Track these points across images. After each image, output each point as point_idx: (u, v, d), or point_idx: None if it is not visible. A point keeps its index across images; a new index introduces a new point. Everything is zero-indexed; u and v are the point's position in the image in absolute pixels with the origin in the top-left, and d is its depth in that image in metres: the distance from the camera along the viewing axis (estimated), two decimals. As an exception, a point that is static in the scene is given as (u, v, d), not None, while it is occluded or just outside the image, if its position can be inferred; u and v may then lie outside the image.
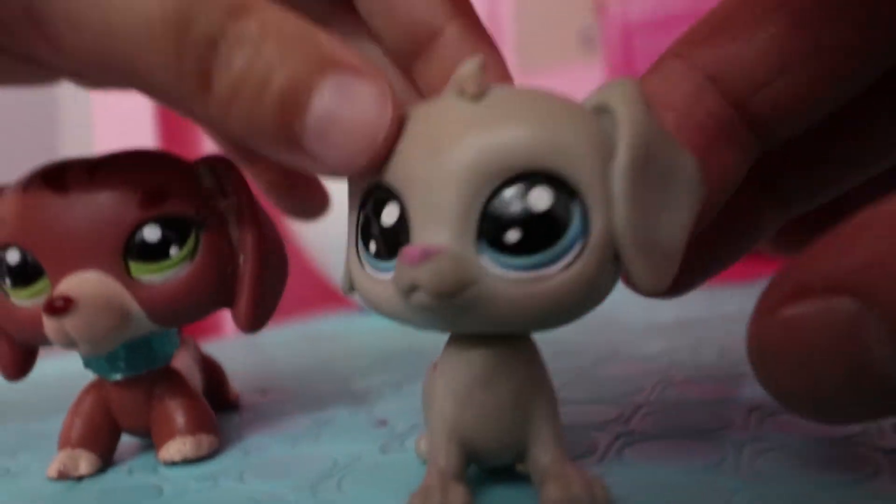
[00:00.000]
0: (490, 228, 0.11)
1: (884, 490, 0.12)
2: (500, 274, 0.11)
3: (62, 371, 0.30)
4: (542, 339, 0.14)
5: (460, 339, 0.13)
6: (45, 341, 0.17)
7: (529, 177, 0.11)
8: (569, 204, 0.11)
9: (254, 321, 0.18)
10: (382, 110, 0.12)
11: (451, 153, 0.12)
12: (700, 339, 0.27)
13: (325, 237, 0.45)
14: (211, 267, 0.17)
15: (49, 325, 0.15)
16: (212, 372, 0.23)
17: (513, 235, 0.11)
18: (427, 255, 0.11)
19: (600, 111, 0.12)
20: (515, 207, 0.11)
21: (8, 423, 0.25)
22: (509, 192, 0.11)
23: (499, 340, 0.13)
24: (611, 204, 0.11)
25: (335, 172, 0.13)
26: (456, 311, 0.12)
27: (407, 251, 0.11)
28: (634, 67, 0.66)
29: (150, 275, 0.16)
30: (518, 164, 0.11)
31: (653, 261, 0.12)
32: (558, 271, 0.11)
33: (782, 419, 0.16)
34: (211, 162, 0.17)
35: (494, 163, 0.11)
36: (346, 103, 0.12)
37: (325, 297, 0.58)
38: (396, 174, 0.12)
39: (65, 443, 0.18)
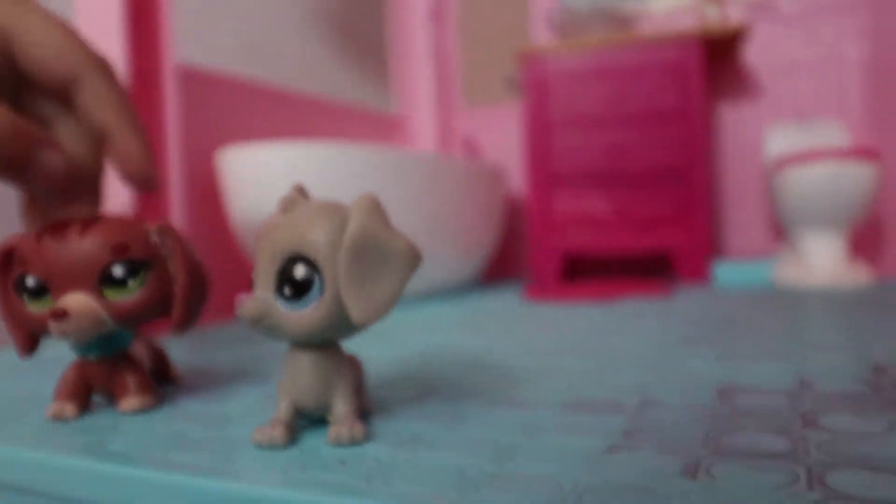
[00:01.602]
0: (279, 285, 0.21)
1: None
2: (283, 311, 0.21)
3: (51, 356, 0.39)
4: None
5: (293, 346, 0.23)
6: (47, 334, 0.25)
7: (296, 258, 0.21)
8: (313, 274, 0.21)
9: (181, 327, 0.27)
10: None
11: (266, 242, 0.21)
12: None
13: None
14: (155, 291, 0.26)
15: (52, 326, 0.24)
16: (159, 357, 0.32)
17: (287, 290, 0.21)
18: (241, 301, 0.21)
19: (347, 217, 0.21)
20: (288, 274, 0.21)
21: (18, 388, 0.34)
22: (286, 266, 0.21)
23: (314, 348, 0.23)
24: (338, 275, 0.21)
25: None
26: (266, 330, 0.21)
27: (238, 297, 0.21)
28: (547, 109, 0.74)
29: (115, 296, 0.25)
30: (289, 250, 0.21)
31: (361, 307, 0.21)
32: (309, 311, 0.21)
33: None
34: (158, 226, 0.26)
35: (279, 250, 0.21)
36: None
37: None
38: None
39: (57, 397, 0.27)
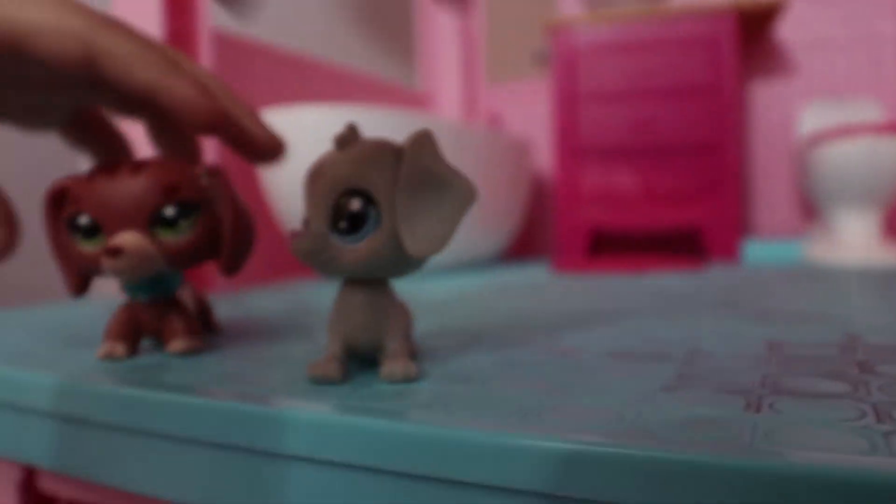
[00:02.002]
0: (334, 219, 0.21)
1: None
2: (338, 245, 0.21)
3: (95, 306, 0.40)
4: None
5: (345, 284, 0.23)
6: (99, 273, 0.26)
7: (351, 192, 0.21)
8: (368, 208, 0.21)
9: (229, 269, 0.27)
10: None
11: (321, 178, 0.21)
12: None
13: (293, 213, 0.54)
14: (204, 233, 0.26)
15: (106, 263, 0.24)
16: (202, 306, 0.32)
17: (342, 224, 0.21)
18: (296, 235, 0.21)
19: (401, 152, 0.21)
20: (343, 208, 0.21)
21: (70, 329, 0.34)
22: (342, 200, 0.21)
23: (367, 285, 0.23)
24: (394, 208, 0.21)
25: None
26: (321, 265, 0.21)
27: (291, 232, 0.21)
28: (575, 82, 0.74)
29: (166, 236, 0.25)
30: (344, 185, 0.21)
31: (416, 239, 0.21)
32: (365, 244, 0.21)
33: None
34: (208, 169, 0.26)
35: (335, 185, 0.21)
36: None
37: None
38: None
39: (107, 337, 0.27)
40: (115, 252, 0.24)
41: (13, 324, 0.39)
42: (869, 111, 0.70)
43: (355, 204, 0.21)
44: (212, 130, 0.25)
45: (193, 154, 0.32)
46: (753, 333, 0.29)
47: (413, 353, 0.25)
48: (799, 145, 0.71)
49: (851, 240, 0.63)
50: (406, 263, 0.22)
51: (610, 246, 0.81)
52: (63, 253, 0.27)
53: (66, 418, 0.24)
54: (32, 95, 0.27)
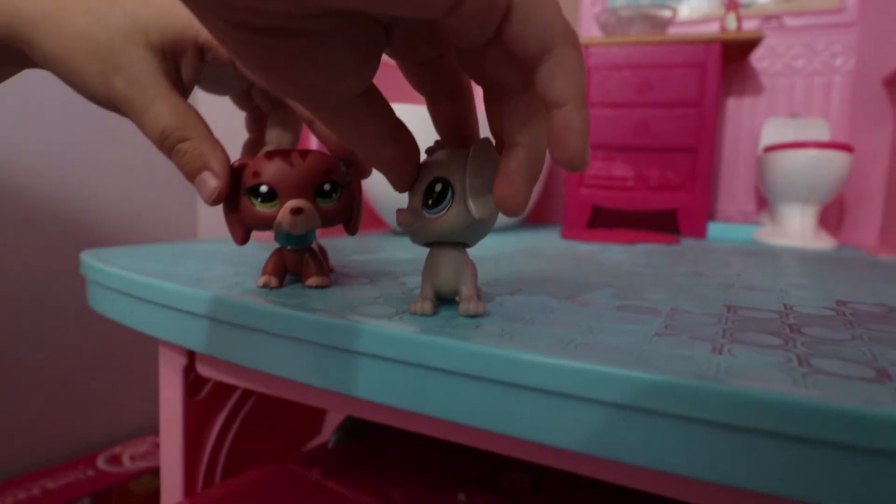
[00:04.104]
0: (425, 200, 0.24)
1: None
2: (427, 216, 0.24)
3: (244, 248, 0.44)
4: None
5: (434, 247, 0.26)
6: (265, 227, 0.28)
7: (437, 179, 0.24)
8: (447, 189, 0.24)
9: (353, 230, 0.30)
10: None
11: (419, 175, 0.24)
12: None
13: (384, 194, 0.57)
14: (343, 203, 0.29)
15: (289, 219, 0.26)
16: (323, 253, 0.36)
17: (429, 201, 0.24)
18: (400, 212, 0.24)
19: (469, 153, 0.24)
20: (430, 191, 0.24)
21: (237, 267, 0.38)
22: (430, 186, 0.24)
23: (449, 247, 0.26)
24: (464, 189, 0.23)
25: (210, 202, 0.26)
26: (414, 232, 0.25)
27: (398, 210, 0.24)
28: (589, 93, 0.75)
29: (323, 203, 0.28)
30: (432, 176, 0.24)
31: (480, 206, 0.23)
32: (443, 214, 0.24)
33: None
34: (344, 160, 0.29)
35: (426, 177, 0.24)
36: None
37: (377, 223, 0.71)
38: None
39: (265, 272, 0.30)
40: (298, 211, 0.26)
41: (185, 253, 0.43)
42: (817, 130, 0.71)
43: (437, 186, 0.24)
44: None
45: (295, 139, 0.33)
46: (717, 298, 0.32)
47: (480, 297, 0.29)
48: (759, 152, 0.73)
49: (793, 229, 0.65)
50: (472, 229, 0.24)
51: (606, 220, 0.84)
52: (239, 211, 0.28)
53: (226, 322, 0.28)
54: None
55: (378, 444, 0.51)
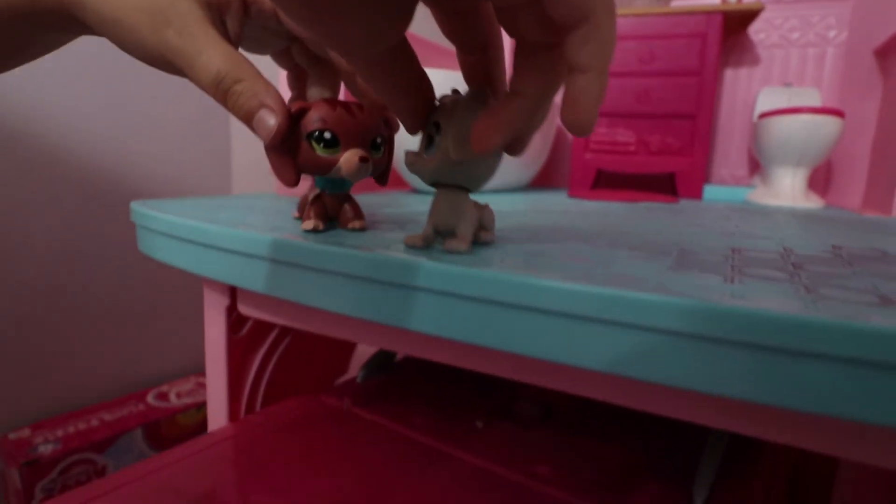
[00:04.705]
0: (425, 140, 0.23)
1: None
2: (425, 156, 0.24)
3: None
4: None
5: (438, 188, 0.25)
6: (317, 172, 0.27)
7: (435, 123, 0.23)
8: (437, 132, 0.23)
9: (385, 182, 0.30)
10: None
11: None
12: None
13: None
14: (385, 157, 0.29)
15: (357, 166, 0.26)
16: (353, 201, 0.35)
17: (427, 143, 0.23)
18: (407, 154, 0.24)
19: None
20: (429, 133, 0.23)
21: (274, 216, 0.38)
22: (430, 128, 0.23)
23: (447, 189, 0.25)
24: (450, 134, 0.23)
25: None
26: (416, 172, 0.24)
27: (406, 152, 0.24)
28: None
29: (374, 155, 0.28)
30: (434, 120, 0.23)
31: (458, 147, 0.22)
32: (434, 156, 0.23)
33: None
34: (384, 119, 0.28)
35: (431, 121, 0.23)
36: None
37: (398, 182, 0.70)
38: None
39: (310, 217, 0.29)
40: (365, 160, 0.26)
41: (224, 205, 0.43)
42: (810, 98, 0.69)
43: (432, 130, 0.23)
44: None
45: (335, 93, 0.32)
46: (721, 243, 0.31)
47: (489, 240, 0.28)
48: (754, 119, 0.71)
49: (784, 190, 0.64)
50: (459, 171, 0.23)
51: (608, 183, 0.82)
52: (288, 155, 0.26)
53: (273, 260, 0.28)
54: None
55: (402, 378, 0.52)
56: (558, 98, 0.89)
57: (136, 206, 0.39)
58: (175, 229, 0.34)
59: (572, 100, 0.18)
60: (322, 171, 0.27)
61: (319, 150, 0.26)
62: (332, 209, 0.30)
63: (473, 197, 0.27)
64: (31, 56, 0.27)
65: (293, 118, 0.26)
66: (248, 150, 1.13)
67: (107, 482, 0.33)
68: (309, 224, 0.29)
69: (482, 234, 0.27)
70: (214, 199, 0.47)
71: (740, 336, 0.17)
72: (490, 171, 0.24)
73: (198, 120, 1.06)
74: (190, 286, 1.05)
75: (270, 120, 0.24)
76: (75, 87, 0.88)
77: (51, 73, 0.85)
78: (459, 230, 0.25)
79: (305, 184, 0.51)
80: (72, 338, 0.91)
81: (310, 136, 0.26)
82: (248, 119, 0.24)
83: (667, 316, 0.18)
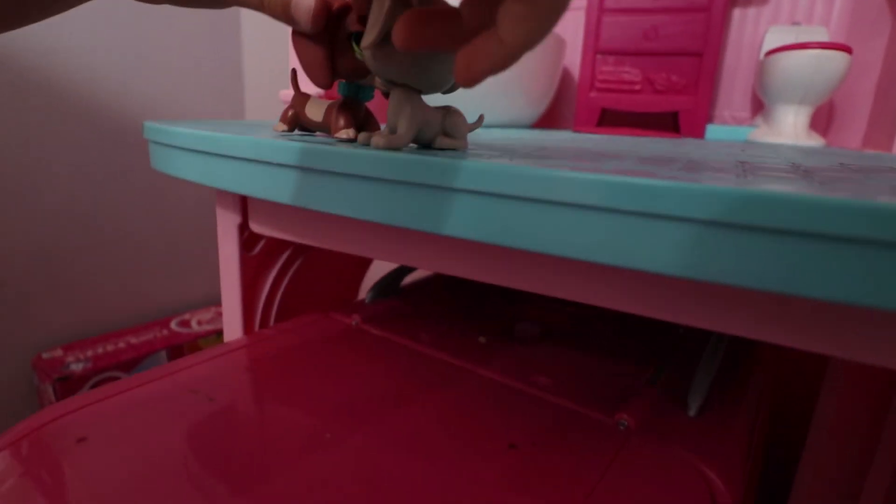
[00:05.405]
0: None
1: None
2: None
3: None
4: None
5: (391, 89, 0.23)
6: (352, 75, 0.25)
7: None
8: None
9: None
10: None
11: None
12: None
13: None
14: None
15: None
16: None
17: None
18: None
19: None
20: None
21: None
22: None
23: (398, 88, 0.23)
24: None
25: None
26: (370, 66, 0.22)
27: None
28: (603, 2, 0.69)
29: None
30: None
31: (369, 35, 0.20)
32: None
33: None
34: None
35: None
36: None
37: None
38: None
39: (341, 127, 0.27)
40: None
41: (235, 126, 0.41)
42: (818, 36, 0.65)
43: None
44: None
45: None
46: (728, 158, 0.30)
47: (460, 147, 0.26)
48: (760, 57, 0.68)
49: (786, 128, 0.62)
50: (380, 63, 0.21)
51: (612, 122, 0.80)
52: (323, 52, 0.24)
53: (292, 167, 0.26)
54: None
55: (409, 300, 0.51)
56: (565, 35, 0.85)
57: (149, 124, 0.37)
58: (186, 141, 0.32)
59: (471, 54, 0.17)
60: (358, 74, 0.24)
61: (359, 53, 0.24)
62: (357, 119, 0.28)
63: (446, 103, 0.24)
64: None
65: (335, 16, 0.24)
66: (260, 87, 1.09)
67: (130, 381, 0.33)
68: (343, 133, 0.27)
69: (445, 141, 0.25)
70: (226, 122, 0.45)
71: (761, 220, 0.16)
72: (431, 71, 0.22)
73: (210, 55, 1.02)
74: (211, 225, 1.05)
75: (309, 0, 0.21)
76: (89, 25, 0.84)
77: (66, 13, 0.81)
78: (399, 127, 0.23)
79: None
80: (100, 266, 0.91)
81: (352, 36, 0.23)
82: (285, 6, 0.22)
83: (687, 203, 0.17)
